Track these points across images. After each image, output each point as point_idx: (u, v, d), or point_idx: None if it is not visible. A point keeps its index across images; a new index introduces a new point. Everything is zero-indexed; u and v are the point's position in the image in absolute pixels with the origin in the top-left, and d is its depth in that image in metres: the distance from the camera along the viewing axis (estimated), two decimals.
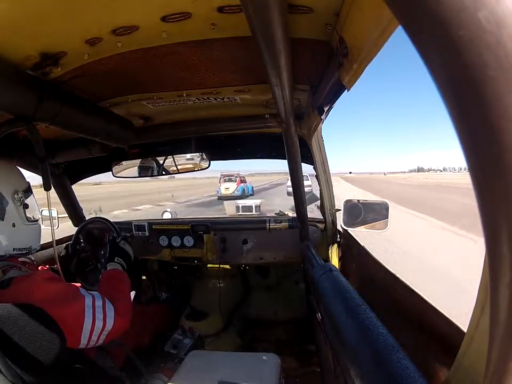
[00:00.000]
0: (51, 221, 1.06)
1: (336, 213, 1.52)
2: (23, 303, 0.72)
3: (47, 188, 0.96)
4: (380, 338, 0.50)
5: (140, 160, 1.62)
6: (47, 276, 0.84)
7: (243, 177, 17.78)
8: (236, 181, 16.55)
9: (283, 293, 2.00)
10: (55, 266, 1.37)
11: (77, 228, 1.67)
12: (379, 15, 0.41)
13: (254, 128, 1.26)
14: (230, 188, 16.08)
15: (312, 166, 1.37)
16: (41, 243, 1.04)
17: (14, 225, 0.90)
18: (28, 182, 0.99)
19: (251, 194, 16.52)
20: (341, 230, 1.51)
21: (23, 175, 1.00)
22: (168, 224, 1.79)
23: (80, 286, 0.92)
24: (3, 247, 0.87)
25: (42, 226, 1.08)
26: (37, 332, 0.72)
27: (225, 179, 17.03)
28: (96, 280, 1.56)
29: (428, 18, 0.12)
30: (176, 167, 1.60)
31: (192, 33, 0.64)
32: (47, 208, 1.05)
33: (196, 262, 1.76)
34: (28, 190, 0.98)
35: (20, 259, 0.94)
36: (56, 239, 1.16)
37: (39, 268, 1.04)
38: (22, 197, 0.94)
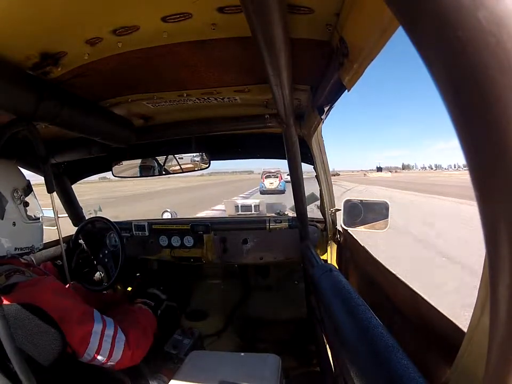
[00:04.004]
0: (57, 221, 1.06)
1: (336, 212, 1.52)
2: (23, 303, 0.72)
3: (50, 191, 0.95)
4: (379, 338, 0.50)
5: (141, 160, 1.62)
6: (55, 287, 0.82)
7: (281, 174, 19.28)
8: (277, 177, 17.88)
9: (283, 293, 2.00)
10: (58, 262, 1.37)
11: (76, 227, 1.67)
12: (379, 15, 0.41)
13: (254, 128, 1.26)
14: (274, 183, 17.58)
15: (312, 166, 1.37)
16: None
17: (14, 224, 0.90)
18: (28, 180, 0.99)
19: (285, 190, 17.30)
20: (340, 229, 1.51)
21: (22, 173, 1.00)
22: (168, 224, 1.79)
23: (95, 309, 0.87)
24: (4, 246, 0.87)
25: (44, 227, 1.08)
26: (38, 332, 0.71)
27: (267, 175, 18.20)
28: (96, 280, 1.57)
29: (428, 19, 0.12)
30: (180, 166, 1.61)
31: (192, 34, 0.64)
32: (48, 209, 1.05)
33: (196, 262, 1.76)
34: (28, 188, 0.97)
35: (22, 260, 0.93)
36: (55, 239, 1.16)
37: (41, 265, 1.03)
38: (21, 195, 0.93)
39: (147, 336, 1.00)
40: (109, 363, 0.85)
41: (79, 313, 0.81)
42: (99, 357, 0.82)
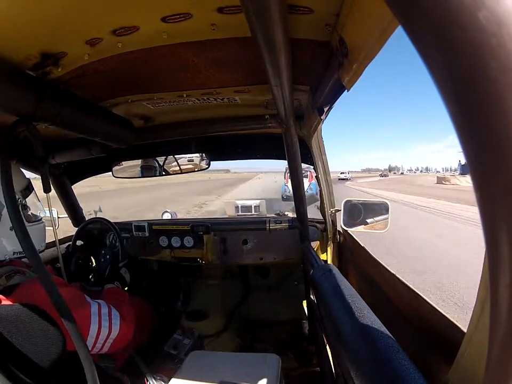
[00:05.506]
0: (52, 222, 1.06)
1: (336, 213, 1.52)
2: (23, 303, 0.72)
3: (46, 191, 0.95)
4: (379, 338, 0.50)
5: (141, 160, 1.62)
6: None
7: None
8: (307, 176, 11.86)
9: (283, 293, 2.01)
10: (57, 265, 1.37)
11: (76, 228, 1.67)
12: (379, 15, 0.41)
13: (254, 128, 1.26)
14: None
15: (312, 167, 1.37)
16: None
17: (11, 228, 0.89)
18: (28, 180, 0.98)
19: (317, 193, 13.94)
20: (340, 230, 1.51)
21: (22, 173, 0.99)
22: (168, 224, 1.79)
23: (85, 294, 0.92)
24: (2, 251, 0.86)
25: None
26: (37, 332, 0.71)
27: None
28: (96, 280, 1.57)
29: (428, 19, 0.12)
30: (180, 167, 1.61)
31: (192, 34, 0.64)
32: (48, 209, 1.05)
33: (196, 262, 1.76)
34: (27, 189, 0.96)
35: (23, 261, 0.93)
36: (53, 241, 1.15)
37: None
38: (19, 198, 0.92)
39: (132, 310, 1.06)
40: (108, 341, 0.87)
41: (77, 299, 0.85)
42: (101, 336, 0.85)
